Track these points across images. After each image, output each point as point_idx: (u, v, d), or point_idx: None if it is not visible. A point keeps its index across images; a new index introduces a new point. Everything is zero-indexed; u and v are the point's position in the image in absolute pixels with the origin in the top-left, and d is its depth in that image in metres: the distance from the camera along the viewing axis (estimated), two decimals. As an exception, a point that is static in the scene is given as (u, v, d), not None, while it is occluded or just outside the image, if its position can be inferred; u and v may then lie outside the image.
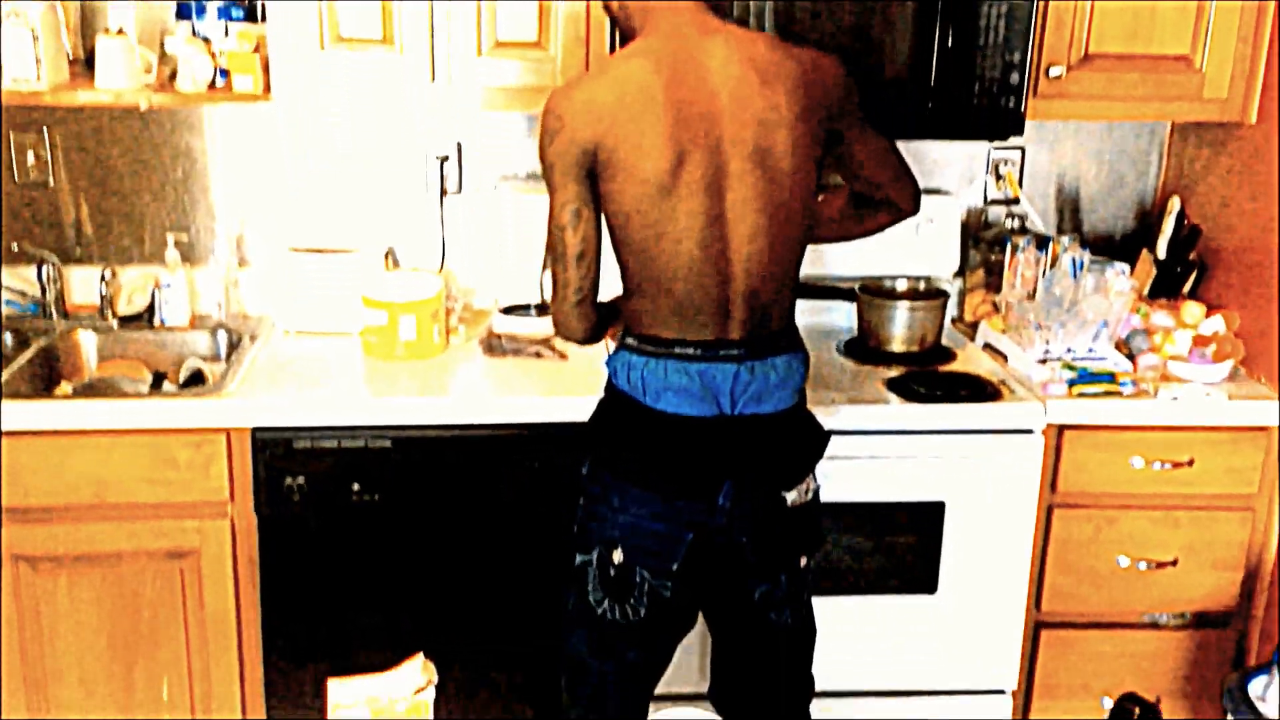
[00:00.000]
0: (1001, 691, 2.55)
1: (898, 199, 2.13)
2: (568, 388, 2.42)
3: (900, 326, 2.65)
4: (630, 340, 1.97)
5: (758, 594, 2.03)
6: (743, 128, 1.86)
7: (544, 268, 2.08)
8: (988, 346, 2.70)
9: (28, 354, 2.52)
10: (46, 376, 2.56)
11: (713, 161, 1.86)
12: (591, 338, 2.02)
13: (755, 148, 1.87)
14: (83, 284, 2.75)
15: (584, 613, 2.02)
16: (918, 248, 2.79)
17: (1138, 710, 1.29)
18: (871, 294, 2.69)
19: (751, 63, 1.88)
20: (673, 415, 1.91)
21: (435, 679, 1.29)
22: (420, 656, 1.32)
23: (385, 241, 2.80)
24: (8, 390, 2.35)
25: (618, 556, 1.96)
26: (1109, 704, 2.36)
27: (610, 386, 2.01)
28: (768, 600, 2.04)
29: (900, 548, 2.46)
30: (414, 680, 1.30)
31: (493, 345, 2.61)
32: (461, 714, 2.28)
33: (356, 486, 2.33)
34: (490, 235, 2.80)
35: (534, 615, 2.42)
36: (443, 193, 2.79)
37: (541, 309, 2.75)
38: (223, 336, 2.68)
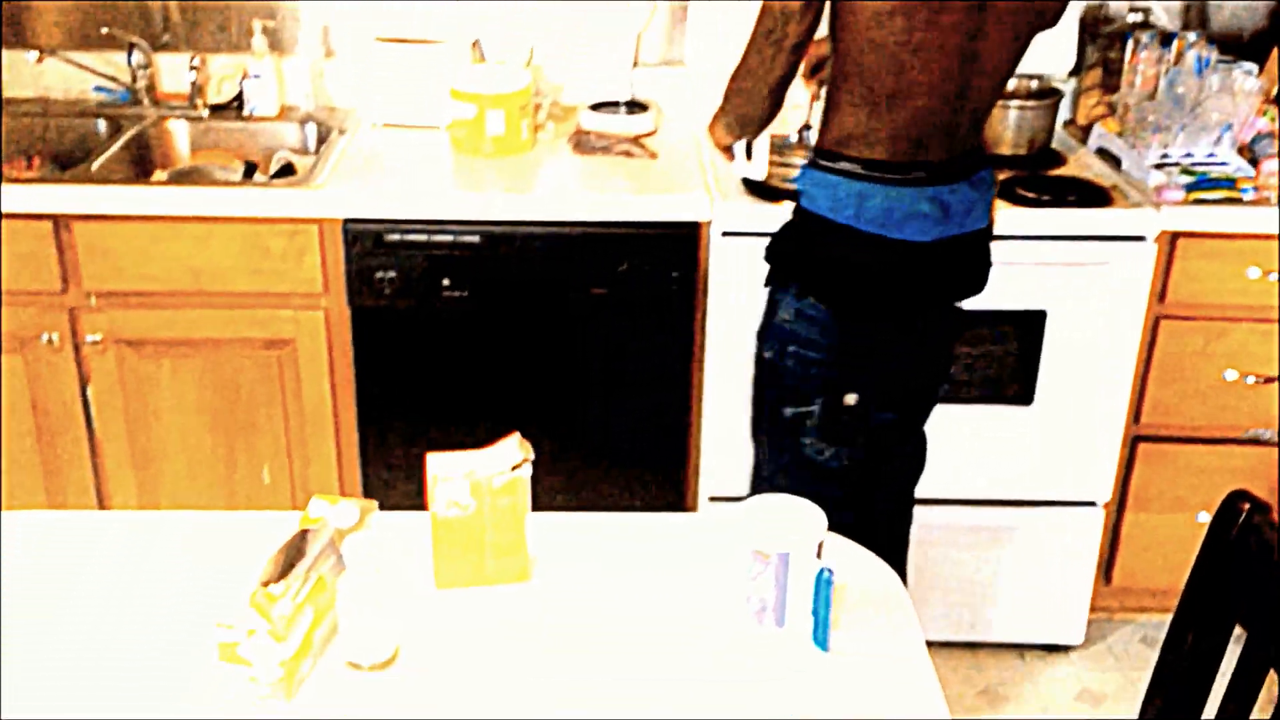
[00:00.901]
0: (1093, 504, 2.52)
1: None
2: (658, 186, 2.36)
3: (1008, 128, 2.53)
4: (851, 166, 1.82)
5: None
6: None
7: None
8: (1101, 150, 2.57)
9: (122, 140, 2.52)
10: (140, 163, 2.57)
11: None
12: (756, 130, 1.94)
13: None
14: (172, 72, 2.72)
15: (799, 465, 1.98)
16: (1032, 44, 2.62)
17: (1247, 507, 1.24)
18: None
19: None
20: (913, 243, 1.83)
21: (532, 457, 1.29)
22: (517, 434, 1.31)
23: (472, 32, 2.72)
24: (103, 175, 2.36)
25: (850, 399, 1.91)
26: (1205, 518, 2.32)
27: (816, 219, 1.86)
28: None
29: (999, 357, 2.41)
30: (511, 456, 1.30)
31: (582, 142, 2.55)
32: (545, 501, 2.33)
33: (446, 282, 2.32)
34: (579, 28, 2.70)
35: (624, 411, 2.43)
36: (532, -20, 2.68)
37: (631, 106, 2.67)
38: (311, 128, 2.65)
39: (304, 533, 1.24)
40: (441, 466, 1.30)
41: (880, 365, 1.93)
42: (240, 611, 1.14)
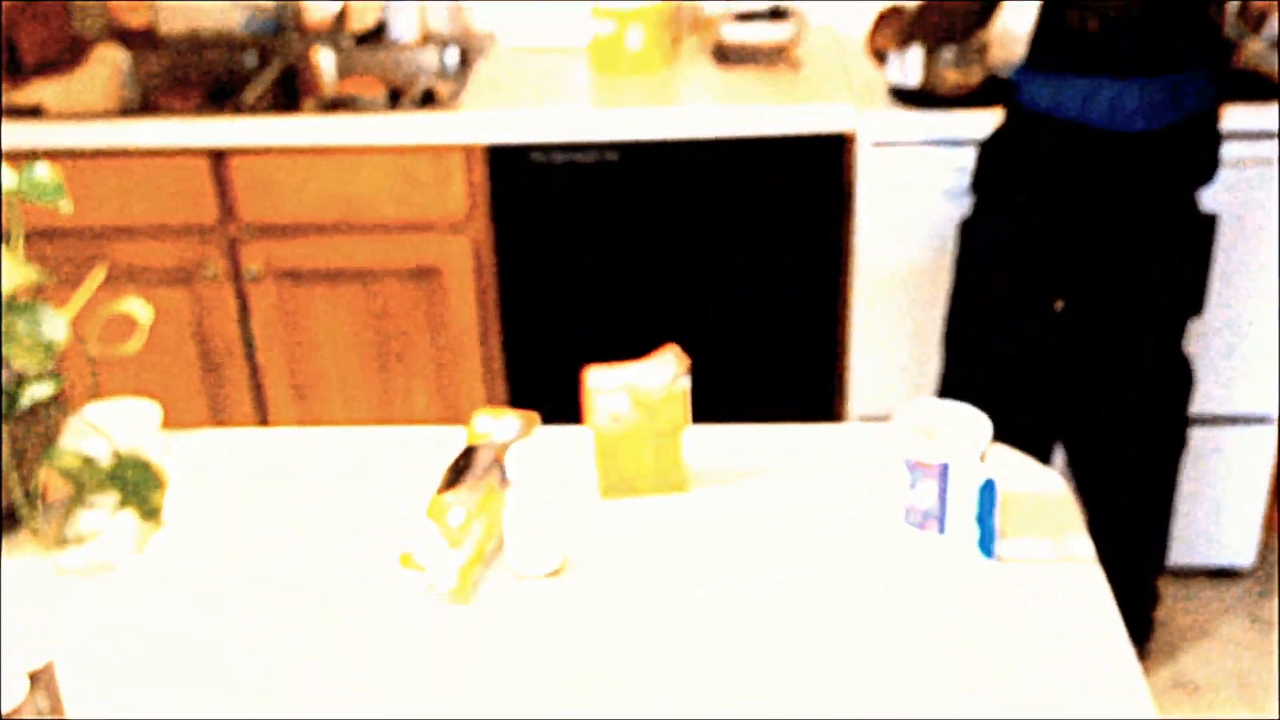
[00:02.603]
0: (1266, 419, 2.40)
1: None
2: (803, 96, 2.31)
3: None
4: (1075, 59, 1.79)
5: None
6: None
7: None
8: (1277, 42, 2.41)
9: (271, 71, 2.57)
10: (289, 94, 2.62)
11: None
12: (979, 27, 1.85)
13: None
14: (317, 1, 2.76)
15: (988, 376, 2.01)
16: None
17: None
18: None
19: None
20: (1142, 133, 1.80)
21: (689, 367, 1.28)
22: (675, 347, 1.31)
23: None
24: (254, 107, 2.42)
25: (1058, 305, 1.94)
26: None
27: (1033, 114, 1.83)
28: None
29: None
30: (670, 368, 1.29)
31: (723, 54, 2.50)
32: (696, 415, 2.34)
33: (591, 202, 2.32)
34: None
35: (764, 329, 2.41)
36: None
37: (774, 15, 2.60)
38: (453, 53, 2.67)
39: (471, 449, 1.26)
40: (601, 379, 1.30)
41: (1090, 268, 1.88)
42: (417, 519, 1.17)
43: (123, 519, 1.25)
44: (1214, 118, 1.88)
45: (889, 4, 2.05)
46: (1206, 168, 1.91)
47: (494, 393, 2.53)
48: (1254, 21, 2.49)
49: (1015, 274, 1.88)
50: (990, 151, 1.88)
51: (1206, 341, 2.33)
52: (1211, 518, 2.48)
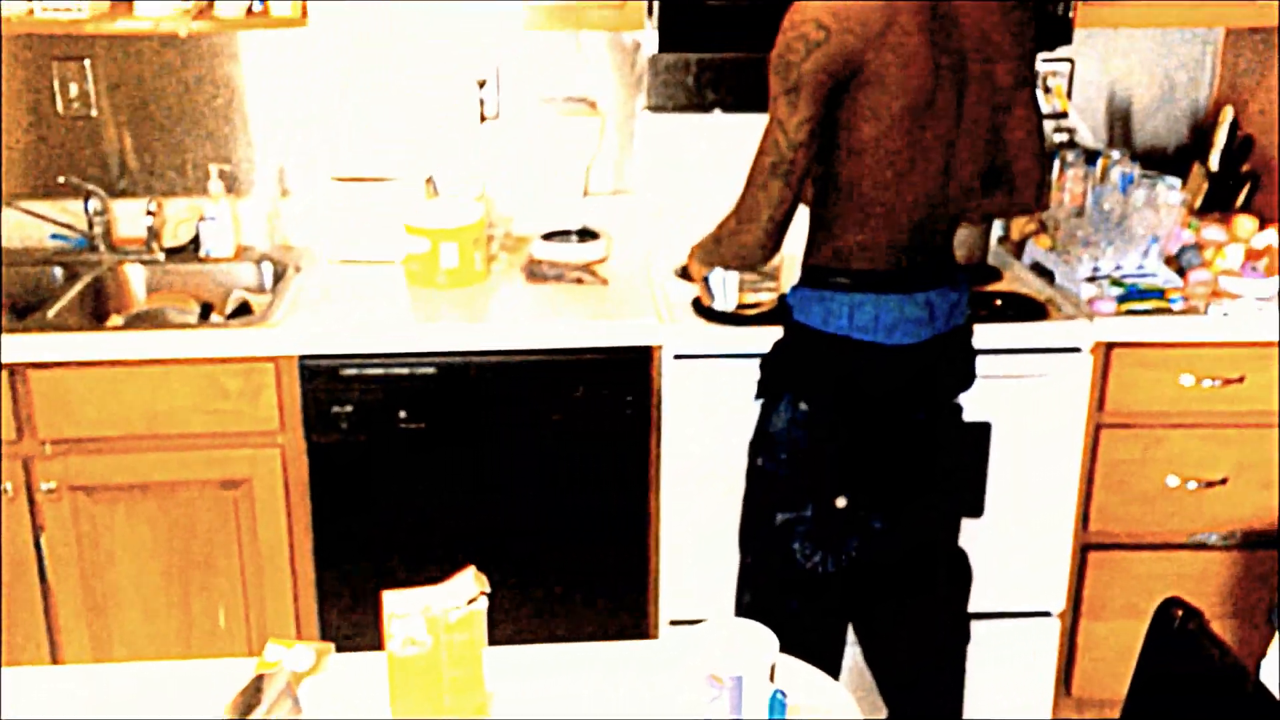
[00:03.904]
0: (1048, 614, 2.55)
1: (1023, 184, 2.04)
2: (610, 312, 2.42)
3: (945, 246, 2.62)
4: (842, 279, 1.92)
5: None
6: (979, 50, 1.85)
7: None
8: (1035, 265, 2.66)
9: (77, 287, 2.54)
10: (96, 309, 2.59)
11: (956, 82, 1.84)
12: (753, 266, 1.97)
13: (983, 72, 1.87)
14: (128, 217, 2.77)
15: (783, 573, 2.03)
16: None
17: (1180, 613, 1.28)
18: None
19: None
20: (904, 346, 1.92)
21: (488, 590, 1.31)
22: (472, 568, 1.33)
23: (426, 169, 2.80)
24: (59, 322, 2.38)
25: (840, 502, 1.98)
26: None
27: (806, 330, 1.95)
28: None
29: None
30: (467, 590, 1.31)
31: (534, 271, 2.61)
32: (514, 629, 2.33)
33: (403, 414, 2.35)
34: (530, 160, 2.79)
35: (582, 537, 2.45)
36: (482, 118, 2.77)
37: (582, 235, 2.74)
38: (267, 267, 2.70)
39: (260, 678, 1.24)
40: (397, 603, 1.31)
41: (870, 467, 1.99)
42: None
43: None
44: (969, 332, 2.07)
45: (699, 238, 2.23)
46: (966, 378, 2.08)
47: (303, 609, 2.47)
48: (1016, 248, 2.76)
49: (800, 476, 2.00)
50: (772, 364, 2.03)
51: (990, 541, 2.47)
52: (1003, 709, 2.57)
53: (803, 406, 1.95)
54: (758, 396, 2.04)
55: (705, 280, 2.22)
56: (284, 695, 1.24)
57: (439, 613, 1.30)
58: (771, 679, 1.31)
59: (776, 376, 2.01)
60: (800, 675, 1.43)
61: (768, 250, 1.90)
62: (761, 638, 1.34)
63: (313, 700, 1.19)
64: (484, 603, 1.32)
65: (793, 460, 1.99)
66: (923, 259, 1.93)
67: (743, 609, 2.14)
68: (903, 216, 1.88)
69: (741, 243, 1.90)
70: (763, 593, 2.10)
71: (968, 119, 1.88)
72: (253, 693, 1.22)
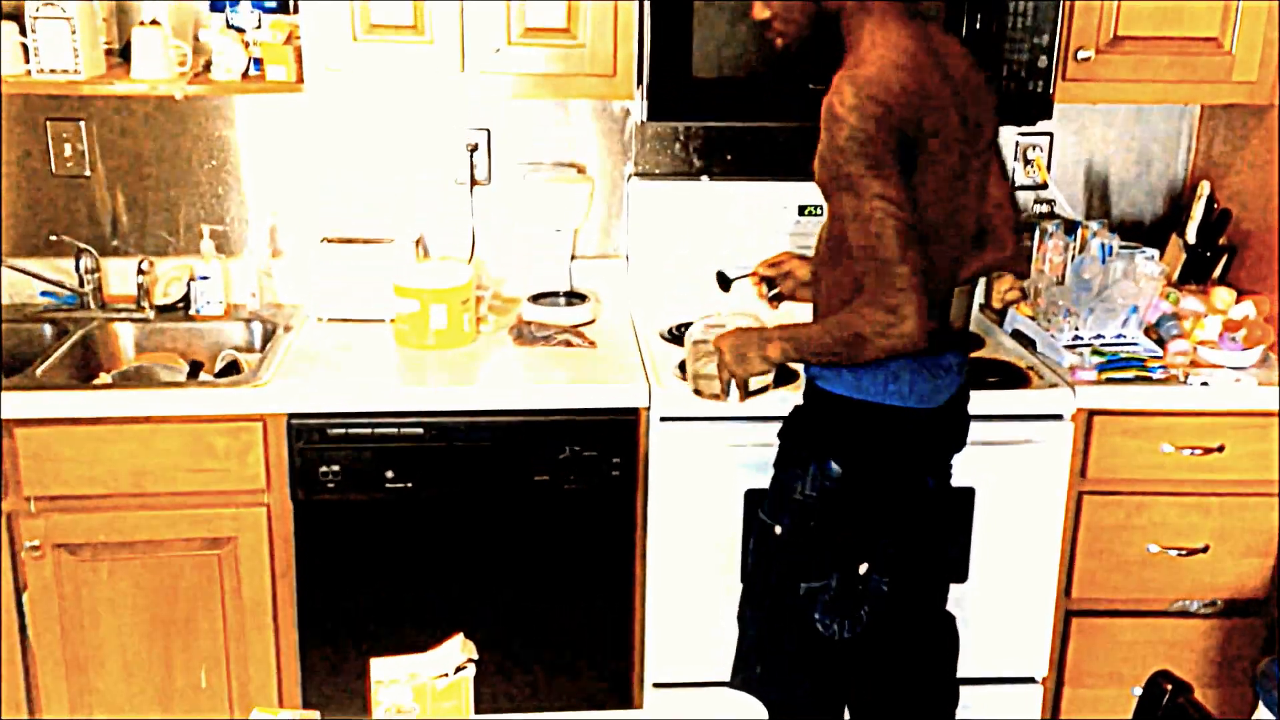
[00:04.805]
0: (1032, 680, 2.55)
1: (1004, 234, 2.07)
2: (597, 375, 2.44)
3: (929, 313, 2.65)
4: None
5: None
6: (975, 108, 1.90)
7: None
8: (1016, 333, 2.70)
9: (66, 344, 2.55)
10: (85, 367, 2.60)
11: (975, 144, 1.89)
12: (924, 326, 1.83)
13: (979, 132, 1.92)
14: (120, 275, 2.79)
15: (801, 643, 2.02)
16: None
17: (1170, 688, 1.29)
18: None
19: (968, 53, 1.93)
20: (930, 410, 1.95)
21: (475, 657, 1.31)
22: (460, 636, 1.34)
23: (416, 231, 2.83)
24: (47, 380, 2.39)
25: (863, 569, 1.98)
26: (1140, 693, 2.37)
27: (833, 397, 1.94)
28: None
29: (930, 534, 2.47)
30: (454, 658, 1.32)
31: (522, 333, 2.63)
32: (498, 694, 2.32)
33: (390, 474, 2.35)
34: (519, 223, 2.82)
35: (566, 599, 2.45)
36: (472, 182, 2.81)
37: (570, 297, 2.77)
38: (257, 326, 2.71)
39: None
40: (384, 670, 1.32)
41: (889, 532, 2.01)
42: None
43: None
44: (969, 393, 2.09)
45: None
46: (964, 438, 2.11)
47: (286, 672, 2.46)
48: (998, 316, 2.79)
49: (827, 543, 1.99)
50: (796, 430, 2.03)
51: (974, 606, 2.48)
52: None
53: (833, 470, 1.93)
54: (780, 464, 2.03)
55: (729, 381, 2.06)
56: (269, 762, 1.24)
57: (426, 680, 1.31)
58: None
59: (803, 443, 2.00)
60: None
61: (925, 328, 1.79)
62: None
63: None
64: (471, 670, 1.33)
65: (820, 527, 1.97)
66: (939, 321, 1.95)
67: (754, 682, 2.12)
68: (937, 279, 1.89)
69: (902, 333, 1.78)
70: (777, 665, 2.09)
71: (974, 181, 1.93)
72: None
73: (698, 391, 2.20)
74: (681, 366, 2.37)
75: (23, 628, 2.37)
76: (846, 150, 1.74)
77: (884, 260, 1.75)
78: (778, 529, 2.02)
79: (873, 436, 1.95)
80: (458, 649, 1.34)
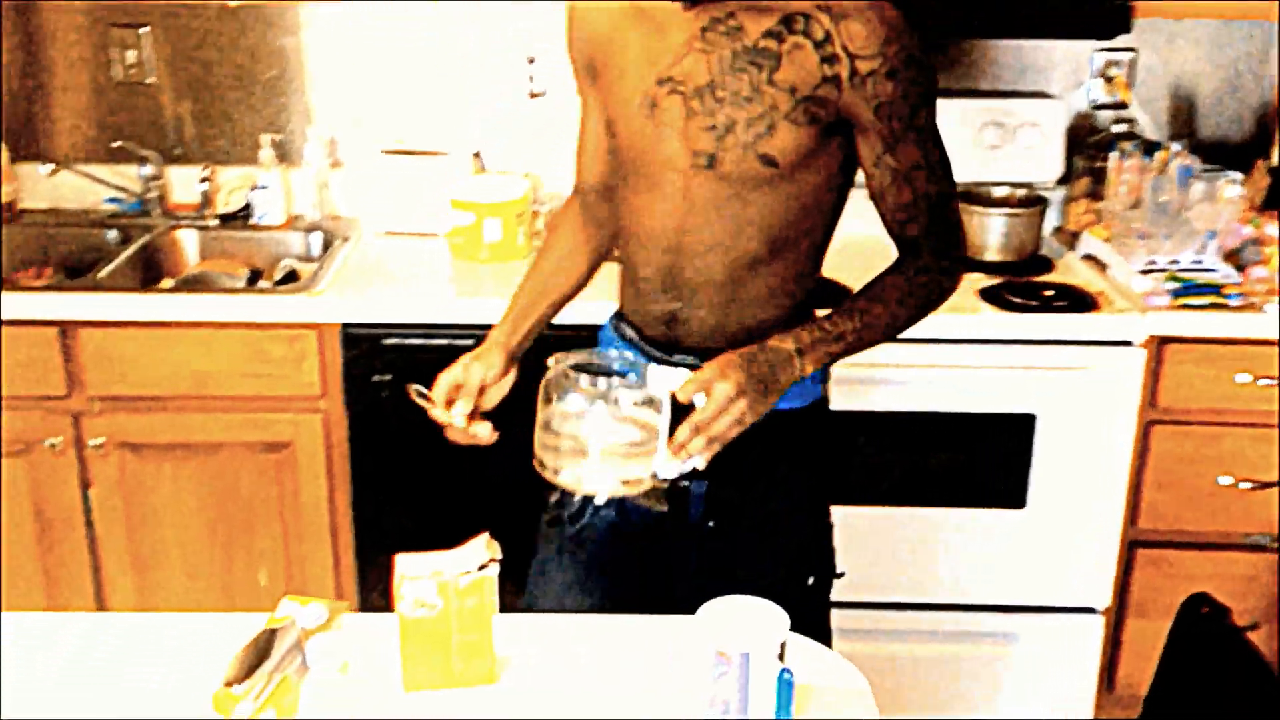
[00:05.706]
0: (1093, 610, 2.50)
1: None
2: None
3: (996, 234, 2.57)
4: None
5: None
6: None
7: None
8: (1089, 257, 2.60)
9: (130, 250, 2.60)
10: (148, 272, 2.64)
11: None
12: None
13: None
14: (183, 183, 2.81)
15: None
16: (1018, 153, 2.69)
17: (1206, 609, 1.25)
18: (967, 200, 2.61)
19: None
20: None
21: (499, 557, 1.31)
22: (486, 535, 1.33)
23: (473, 143, 2.81)
24: (109, 283, 2.43)
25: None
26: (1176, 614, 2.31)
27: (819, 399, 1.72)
28: None
29: (989, 460, 2.41)
30: (478, 556, 1.32)
31: (579, 248, 2.60)
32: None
33: (442, 384, 2.36)
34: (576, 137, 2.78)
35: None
36: (531, 94, 2.77)
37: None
38: (316, 237, 2.73)
39: (271, 632, 1.26)
40: (409, 566, 1.32)
41: None
42: (205, 711, 1.15)
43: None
44: None
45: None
46: None
47: (344, 573, 2.50)
48: (1071, 239, 2.70)
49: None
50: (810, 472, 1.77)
51: (1033, 535, 2.43)
52: (1044, 704, 2.53)
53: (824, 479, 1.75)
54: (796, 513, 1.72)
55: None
56: (294, 651, 1.26)
57: (450, 577, 1.31)
58: (781, 658, 1.30)
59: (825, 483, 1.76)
60: (810, 654, 1.42)
61: None
62: (772, 616, 1.32)
63: (321, 657, 1.20)
64: (495, 569, 1.33)
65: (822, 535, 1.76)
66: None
67: None
68: None
69: (947, 289, 1.61)
70: None
71: None
72: (262, 646, 1.23)
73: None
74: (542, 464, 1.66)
75: (89, 522, 2.44)
76: (924, 85, 1.50)
77: (951, 208, 1.58)
78: (810, 579, 1.75)
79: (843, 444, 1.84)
80: (482, 548, 1.33)
